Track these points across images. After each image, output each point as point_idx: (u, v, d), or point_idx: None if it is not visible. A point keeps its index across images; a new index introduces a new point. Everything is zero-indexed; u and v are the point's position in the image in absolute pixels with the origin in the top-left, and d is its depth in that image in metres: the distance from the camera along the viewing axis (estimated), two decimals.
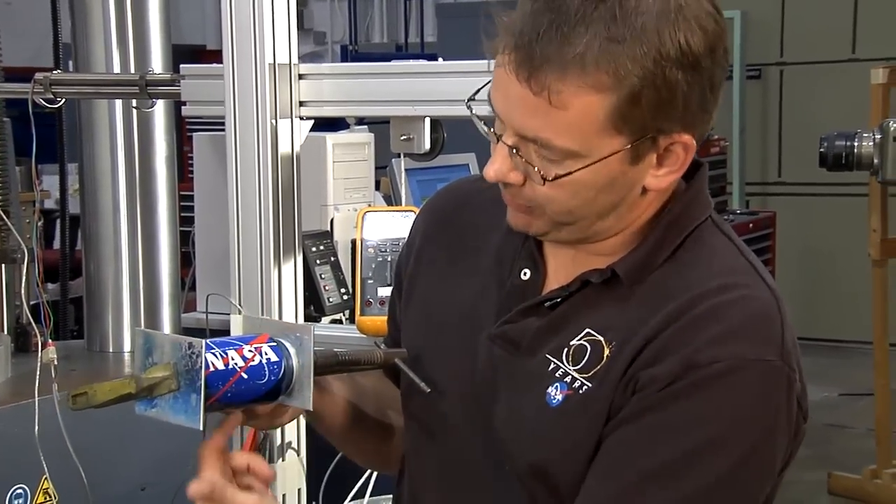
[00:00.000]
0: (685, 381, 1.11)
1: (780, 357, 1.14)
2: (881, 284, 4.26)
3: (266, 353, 1.17)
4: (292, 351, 1.18)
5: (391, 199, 3.20)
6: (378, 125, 2.36)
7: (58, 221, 3.71)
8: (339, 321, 2.48)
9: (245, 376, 1.15)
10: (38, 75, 2.20)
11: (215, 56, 2.01)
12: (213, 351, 1.13)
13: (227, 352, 1.15)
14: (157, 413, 1.14)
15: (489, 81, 1.16)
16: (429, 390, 1.25)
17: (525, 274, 1.25)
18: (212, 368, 1.12)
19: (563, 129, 1.11)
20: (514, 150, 1.14)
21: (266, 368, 1.16)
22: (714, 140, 6.16)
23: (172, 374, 1.12)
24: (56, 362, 2.06)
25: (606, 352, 1.17)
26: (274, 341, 1.19)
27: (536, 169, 1.13)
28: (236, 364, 1.14)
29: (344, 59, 9.11)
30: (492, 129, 1.17)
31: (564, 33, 1.08)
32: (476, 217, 1.32)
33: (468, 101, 1.20)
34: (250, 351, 1.16)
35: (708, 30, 1.11)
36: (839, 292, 6.54)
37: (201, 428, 1.12)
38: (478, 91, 1.19)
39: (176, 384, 1.12)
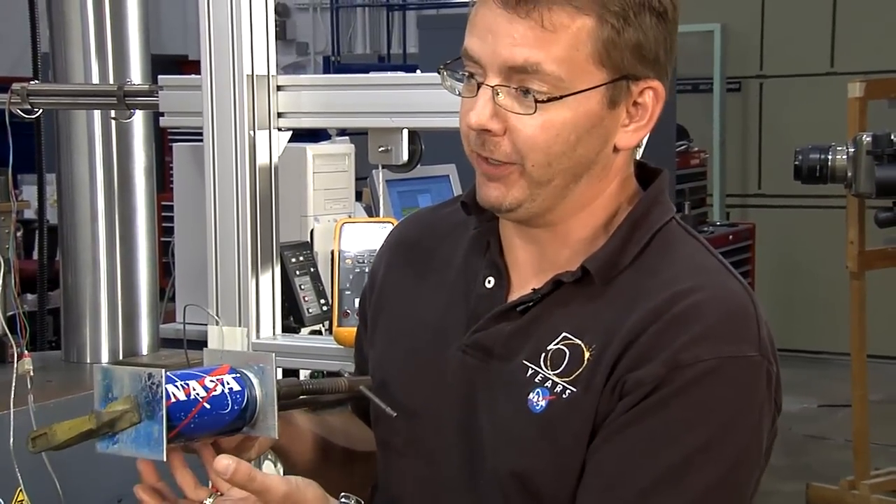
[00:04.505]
0: (671, 385, 1.12)
1: (759, 351, 1.16)
2: (859, 296, 4.28)
3: (228, 383, 1.16)
4: (255, 381, 1.17)
5: (372, 210, 3.20)
6: (359, 136, 2.36)
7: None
8: (319, 332, 2.47)
9: (208, 406, 1.13)
10: (15, 86, 2.19)
11: (197, 67, 2.01)
12: (174, 382, 1.12)
13: (189, 382, 1.13)
14: (119, 448, 1.12)
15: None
16: (395, 414, 1.25)
17: (489, 282, 1.25)
18: (173, 399, 1.11)
19: (553, 52, 1.13)
20: (499, 92, 1.15)
21: (229, 398, 1.15)
22: (694, 152, 6.19)
23: (133, 406, 1.10)
24: (32, 373, 2.05)
25: (587, 355, 1.17)
26: (236, 372, 1.17)
27: (530, 95, 1.14)
28: (198, 394, 1.13)
29: (326, 70, 9.11)
30: (472, 79, 1.17)
31: None
32: (440, 240, 1.32)
33: (440, 67, 1.22)
34: (212, 381, 1.14)
35: None
36: (817, 304, 6.58)
37: (164, 459, 1.10)
38: (454, 60, 1.20)
39: (137, 417, 1.10)
